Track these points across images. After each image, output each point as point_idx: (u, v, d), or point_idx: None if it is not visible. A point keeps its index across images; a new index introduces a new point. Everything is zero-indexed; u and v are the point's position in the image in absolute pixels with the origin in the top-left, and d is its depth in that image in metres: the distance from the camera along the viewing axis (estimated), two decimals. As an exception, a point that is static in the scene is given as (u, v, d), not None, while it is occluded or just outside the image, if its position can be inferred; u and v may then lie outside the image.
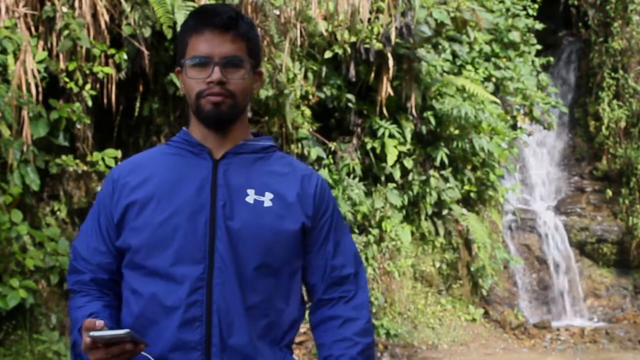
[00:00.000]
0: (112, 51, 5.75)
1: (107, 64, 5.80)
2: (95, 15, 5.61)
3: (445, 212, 8.58)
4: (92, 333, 1.51)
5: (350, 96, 7.96)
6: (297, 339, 7.09)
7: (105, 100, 5.92)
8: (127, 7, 5.64)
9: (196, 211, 1.72)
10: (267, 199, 1.75)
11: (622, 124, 10.46)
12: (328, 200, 1.85)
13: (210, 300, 1.69)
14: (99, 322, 1.53)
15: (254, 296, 1.71)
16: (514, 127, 9.69)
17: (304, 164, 1.94)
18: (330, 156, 7.85)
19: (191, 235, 1.70)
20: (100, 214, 1.81)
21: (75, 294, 1.81)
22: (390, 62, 7.54)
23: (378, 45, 7.58)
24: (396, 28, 7.41)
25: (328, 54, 7.60)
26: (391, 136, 8.05)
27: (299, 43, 6.93)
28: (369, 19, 7.54)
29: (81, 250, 1.82)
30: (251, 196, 1.75)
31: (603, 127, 10.60)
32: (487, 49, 9.50)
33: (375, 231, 7.89)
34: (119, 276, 1.79)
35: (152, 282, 1.70)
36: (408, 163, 8.20)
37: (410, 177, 8.35)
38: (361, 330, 1.82)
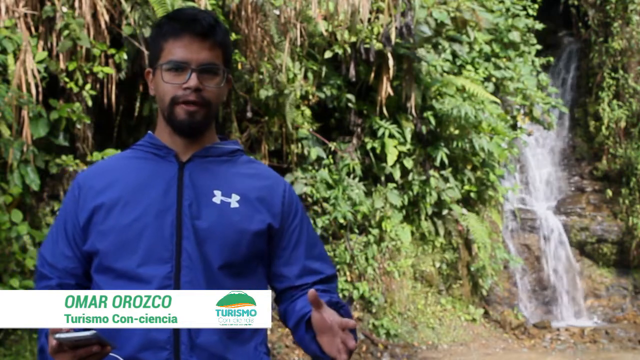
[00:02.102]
0: (112, 51, 5.75)
1: (107, 64, 5.80)
2: (95, 15, 5.61)
3: (445, 212, 8.58)
4: (58, 335, 1.51)
5: (350, 96, 7.96)
6: (297, 339, 7.08)
7: (105, 100, 5.92)
8: (127, 7, 5.64)
9: (163, 212, 1.72)
10: (234, 200, 1.75)
11: (622, 124, 10.46)
12: (297, 206, 1.85)
13: None
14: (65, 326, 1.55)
15: None
16: (514, 127, 9.69)
17: (270, 168, 1.94)
18: (330, 156, 7.85)
19: (158, 236, 1.71)
20: (67, 220, 1.80)
21: None
22: (390, 62, 7.54)
23: (378, 45, 7.58)
24: (396, 28, 7.41)
25: (328, 54, 7.60)
26: (391, 136, 8.05)
27: (299, 43, 6.93)
28: (369, 19, 7.54)
29: (47, 256, 1.81)
30: (218, 197, 1.75)
31: (603, 127, 10.60)
32: (487, 49, 9.50)
33: (375, 231, 7.89)
34: (86, 281, 1.78)
35: (121, 284, 1.69)
36: (408, 163, 8.20)
37: (410, 177, 8.35)
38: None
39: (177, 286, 1.69)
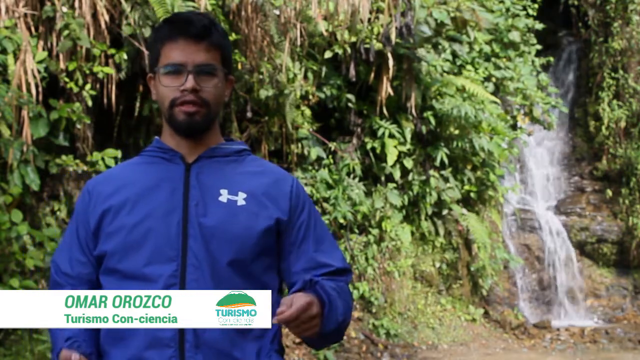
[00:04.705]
0: (112, 51, 5.74)
1: (107, 64, 5.80)
2: (95, 15, 5.61)
3: (445, 212, 8.58)
4: None
5: (350, 96, 7.96)
6: (297, 339, 7.09)
7: (105, 100, 5.92)
8: (127, 7, 5.64)
9: (169, 212, 1.73)
10: (241, 198, 1.76)
11: (622, 124, 10.46)
12: (304, 201, 1.85)
13: None
14: (75, 357, 1.63)
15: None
16: (514, 127, 9.69)
17: (277, 166, 1.94)
18: (330, 156, 7.85)
19: (164, 235, 1.71)
20: (79, 226, 1.82)
21: None
22: (390, 62, 7.54)
23: (378, 45, 7.58)
24: (396, 28, 7.40)
25: (328, 54, 7.60)
26: (391, 136, 8.05)
27: (299, 43, 6.93)
28: (369, 19, 7.54)
29: (61, 263, 1.84)
30: (224, 196, 1.76)
31: (603, 127, 10.60)
32: (487, 49, 9.49)
33: (375, 231, 7.89)
34: (100, 287, 1.79)
35: (127, 284, 1.70)
36: (408, 163, 8.20)
37: (410, 177, 8.35)
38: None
39: (182, 285, 1.69)
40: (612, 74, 10.68)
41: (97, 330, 1.75)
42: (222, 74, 1.78)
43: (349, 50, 7.63)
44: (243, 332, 1.70)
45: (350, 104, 8.03)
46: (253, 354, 1.73)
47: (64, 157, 5.61)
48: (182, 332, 1.68)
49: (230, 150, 1.84)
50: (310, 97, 7.66)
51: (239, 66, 6.56)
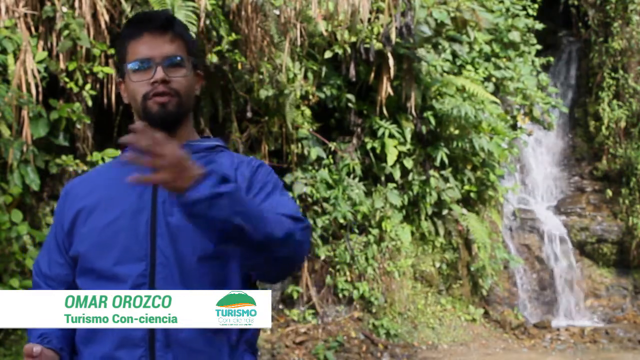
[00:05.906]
0: (112, 51, 5.75)
1: (107, 64, 5.80)
2: (95, 15, 5.61)
3: (445, 212, 8.58)
4: None
5: (350, 96, 7.96)
6: (297, 339, 7.09)
7: (105, 100, 5.92)
8: (127, 7, 5.64)
9: (138, 211, 1.75)
10: None
11: (622, 124, 10.46)
12: (265, 178, 1.80)
13: None
14: (36, 349, 1.66)
15: (199, 288, 1.69)
16: (514, 127, 9.69)
17: (248, 157, 1.93)
18: (330, 156, 7.85)
19: (133, 235, 1.73)
20: (57, 227, 1.85)
21: None
22: (391, 62, 7.54)
23: (378, 45, 7.58)
24: (396, 28, 7.41)
25: (328, 54, 7.60)
26: (391, 136, 8.05)
27: (299, 43, 6.93)
28: (369, 19, 7.54)
29: (42, 264, 1.87)
30: None
31: (603, 127, 10.60)
32: (487, 49, 9.49)
33: (375, 231, 7.89)
34: (77, 288, 1.80)
35: (99, 284, 1.71)
36: (408, 163, 8.20)
37: (410, 177, 8.35)
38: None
39: (151, 284, 1.69)
40: (612, 74, 10.68)
41: (73, 329, 1.77)
42: (189, 64, 1.80)
43: (349, 50, 7.62)
44: (216, 332, 1.69)
45: (350, 104, 8.03)
46: (226, 354, 1.72)
47: (64, 157, 5.61)
48: (152, 331, 1.67)
49: (202, 147, 1.84)
50: (310, 97, 7.65)
51: (239, 66, 6.57)
